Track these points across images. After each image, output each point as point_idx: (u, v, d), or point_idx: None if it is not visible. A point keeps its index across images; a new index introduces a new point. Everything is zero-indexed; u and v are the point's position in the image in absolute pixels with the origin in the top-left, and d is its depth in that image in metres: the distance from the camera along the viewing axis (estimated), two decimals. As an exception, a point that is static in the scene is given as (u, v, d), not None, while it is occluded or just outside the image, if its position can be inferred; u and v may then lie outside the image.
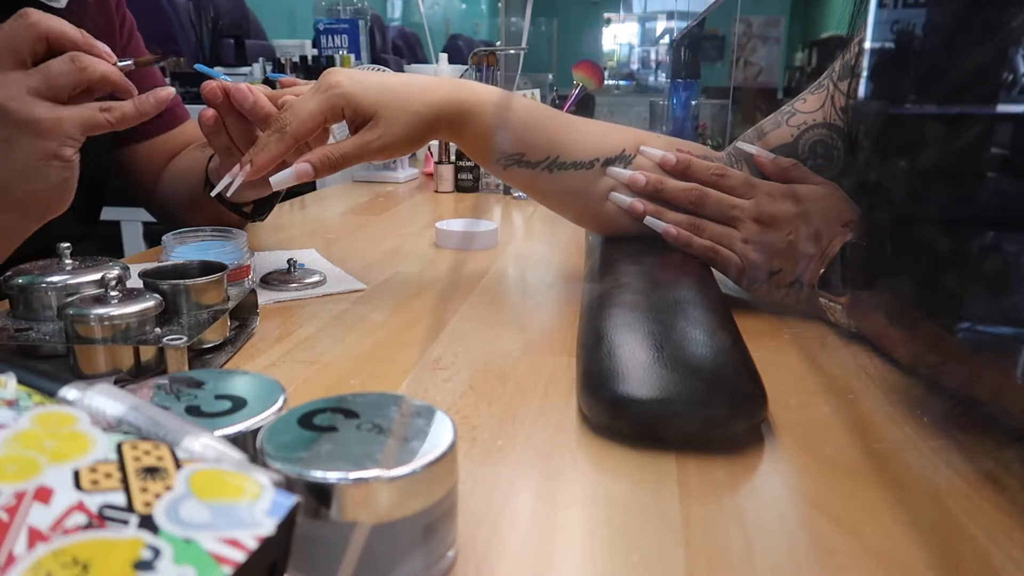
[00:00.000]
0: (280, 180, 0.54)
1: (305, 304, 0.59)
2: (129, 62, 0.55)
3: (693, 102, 1.63)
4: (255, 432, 0.28)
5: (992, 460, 0.36)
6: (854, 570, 0.29)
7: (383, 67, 1.15)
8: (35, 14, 0.51)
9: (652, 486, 0.34)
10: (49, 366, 0.34)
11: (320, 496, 0.24)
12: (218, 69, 0.87)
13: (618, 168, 0.59)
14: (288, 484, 0.23)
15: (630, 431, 0.38)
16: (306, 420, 0.28)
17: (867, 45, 0.47)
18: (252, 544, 0.18)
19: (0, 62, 0.50)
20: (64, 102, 0.52)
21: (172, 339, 0.42)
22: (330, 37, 2.15)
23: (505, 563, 0.29)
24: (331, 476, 0.24)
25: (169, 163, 0.81)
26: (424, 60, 2.54)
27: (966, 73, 0.36)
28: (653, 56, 6.05)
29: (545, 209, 0.65)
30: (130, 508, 0.19)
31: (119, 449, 0.20)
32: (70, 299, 0.44)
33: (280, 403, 0.30)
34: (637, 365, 0.39)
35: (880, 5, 0.43)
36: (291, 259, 0.64)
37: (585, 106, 1.68)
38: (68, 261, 0.49)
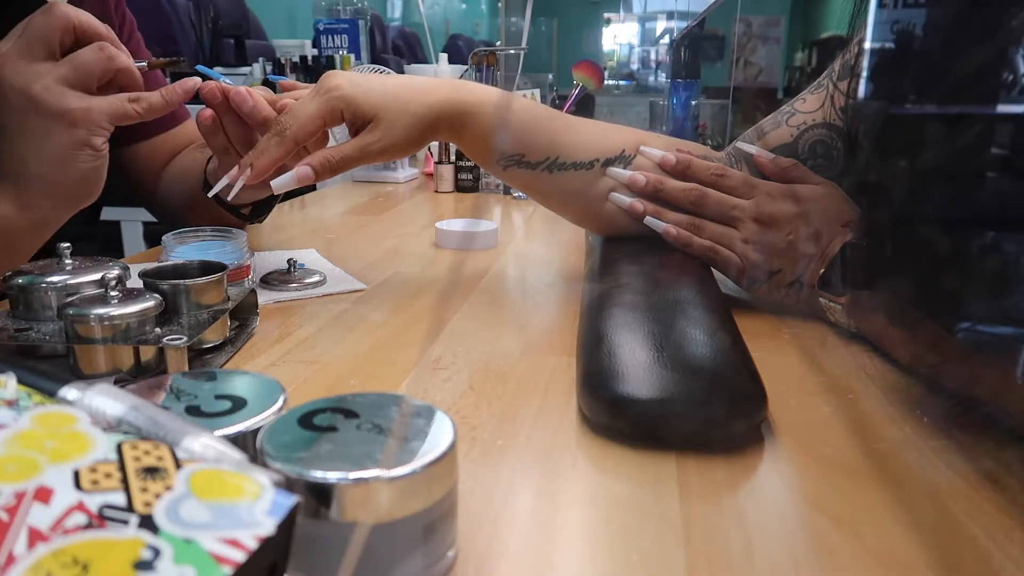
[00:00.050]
0: (281, 184, 0.54)
1: (305, 304, 0.59)
2: (143, 63, 0.56)
3: (693, 102, 1.63)
4: (255, 432, 0.28)
5: (992, 460, 0.36)
6: (854, 570, 0.29)
7: (383, 67, 1.15)
8: (63, 6, 0.52)
9: (652, 486, 0.34)
10: (49, 366, 0.34)
11: (320, 496, 0.24)
12: (218, 69, 0.87)
13: (618, 168, 0.59)
14: (288, 484, 0.23)
15: (630, 431, 0.38)
16: (306, 420, 0.28)
17: (867, 45, 0.47)
18: (252, 544, 0.18)
19: (32, 53, 0.51)
20: (92, 93, 0.53)
21: (172, 339, 0.42)
22: (330, 37, 2.15)
23: (505, 563, 0.29)
24: (331, 476, 0.24)
25: (169, 163, 0.81)
26: (424, 60, 2.55)
27: (966, 73, 0.36)
28: (653, 56, 6.05)
29: (545, 209, 0.65)
30: (130, 508, 0.19)
31: (119, 449, 0.20)
32: (70, 299, 0.44)
33: (280, 403, 0.30)
34: (637, 365, 0.39)
35: (880, 5, 0.43)
36: (291, 259, 0.64)
37: (585, 106, 1.68)
38: (68, 261, 0.49)
